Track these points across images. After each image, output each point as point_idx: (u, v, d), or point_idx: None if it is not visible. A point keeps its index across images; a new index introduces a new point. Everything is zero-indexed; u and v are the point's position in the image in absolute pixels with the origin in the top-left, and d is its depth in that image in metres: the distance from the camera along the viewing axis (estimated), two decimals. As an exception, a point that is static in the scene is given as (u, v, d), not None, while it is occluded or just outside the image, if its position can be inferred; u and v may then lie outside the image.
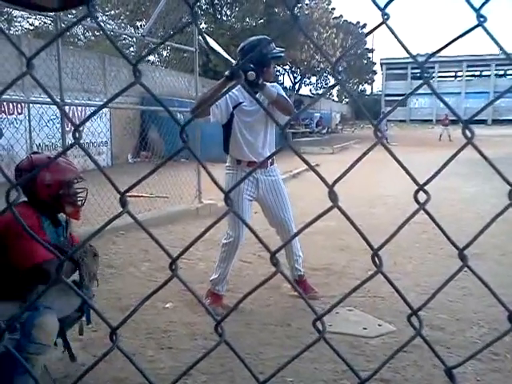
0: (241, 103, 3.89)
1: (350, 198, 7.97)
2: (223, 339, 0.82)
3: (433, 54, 0.79)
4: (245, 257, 5.24)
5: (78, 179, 2.41)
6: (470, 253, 0.86)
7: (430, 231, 5.94)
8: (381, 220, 6.80)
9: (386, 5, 0.74)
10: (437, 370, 2.93)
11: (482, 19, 0.70)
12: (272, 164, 4.05)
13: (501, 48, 0.76)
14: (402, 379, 2.90)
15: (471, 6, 0.70)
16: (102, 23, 16.40)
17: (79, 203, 2.41)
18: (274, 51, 3.94)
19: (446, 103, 0.82)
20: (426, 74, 0.78)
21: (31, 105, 8.29)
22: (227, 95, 3.85)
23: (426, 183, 0.77)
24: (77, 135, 0.70)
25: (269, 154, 4.01)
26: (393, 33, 0.76)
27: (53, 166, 2.26)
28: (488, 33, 0.75)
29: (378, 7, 0.73)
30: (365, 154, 0.81)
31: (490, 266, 4.78)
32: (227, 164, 4.08)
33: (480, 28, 0.74)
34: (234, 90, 3.87)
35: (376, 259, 0.80)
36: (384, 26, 0.76)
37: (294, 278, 4.23)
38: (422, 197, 0.79)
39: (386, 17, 0.74)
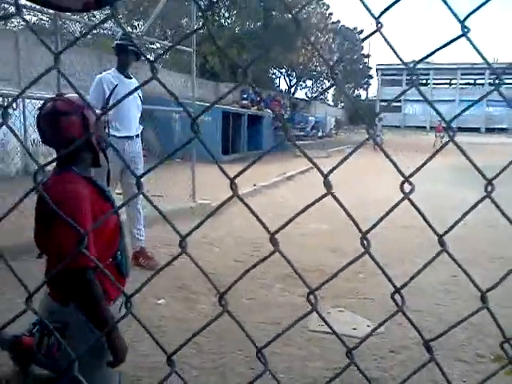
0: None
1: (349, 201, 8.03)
2: (226, 309, 0.87)
3: (419, 61, 0.85)
4: (238, 256, 5.30)
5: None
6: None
7: (421, 235, 6.03)
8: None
9: (381, 14, 0.80)
10: (424, 370, 2.99)
11: (465, 30, 0.76)
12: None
13: (483, 58, 0.83)
14: (389, 378, 2.98)
15: (456, 18, 0.77)
16: (96, 21, 16.41)
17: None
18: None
19: (433, 107, 0.89)
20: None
21: (27, 100, 8.28)
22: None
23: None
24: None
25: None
26: (386, 41, 0.82)
27: (87, 107, 1.93)
28: (472, 44, 0.81)
29: (373, 16, 0.79)
30: (356, 149, 0.87)
31: (478, 273, 4.85)
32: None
33: (476, 37, 0.81)
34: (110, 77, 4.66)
35: (365, 242, 0.86)
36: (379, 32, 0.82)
37: (135, 249, 4.85)
38: (416, 198, 0.85)
39: (379, 25, 0.80)
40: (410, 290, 4.44)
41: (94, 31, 20.37)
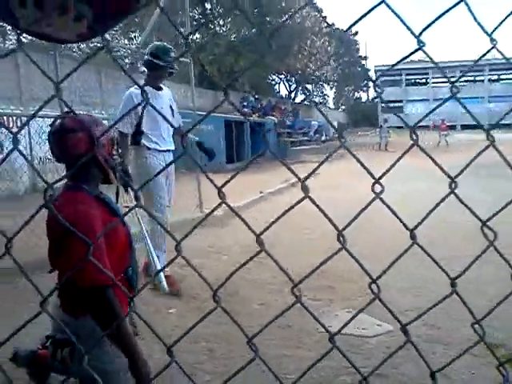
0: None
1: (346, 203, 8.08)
2: (219, 305, 0.93)
3: (383, 73, 0.91)
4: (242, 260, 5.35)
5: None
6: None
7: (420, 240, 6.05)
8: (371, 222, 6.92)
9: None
10: (433, 366, 3.04)
11: (421, 44, 0.84)
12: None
13: (441, 70, 0.90)
14: (398, 374, 3.02)
15: (412, 33, 0.83)
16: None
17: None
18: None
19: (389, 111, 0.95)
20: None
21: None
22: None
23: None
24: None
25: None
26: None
27: (99, 123, 1.96)
28: (429, 57, 0.88)
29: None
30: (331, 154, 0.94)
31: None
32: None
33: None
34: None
35: (341, 239, 0.92)
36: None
37: (146, 260, 4.24)
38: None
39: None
40: (416, 288, 4.51)
41: (91, 44, 20.52)
